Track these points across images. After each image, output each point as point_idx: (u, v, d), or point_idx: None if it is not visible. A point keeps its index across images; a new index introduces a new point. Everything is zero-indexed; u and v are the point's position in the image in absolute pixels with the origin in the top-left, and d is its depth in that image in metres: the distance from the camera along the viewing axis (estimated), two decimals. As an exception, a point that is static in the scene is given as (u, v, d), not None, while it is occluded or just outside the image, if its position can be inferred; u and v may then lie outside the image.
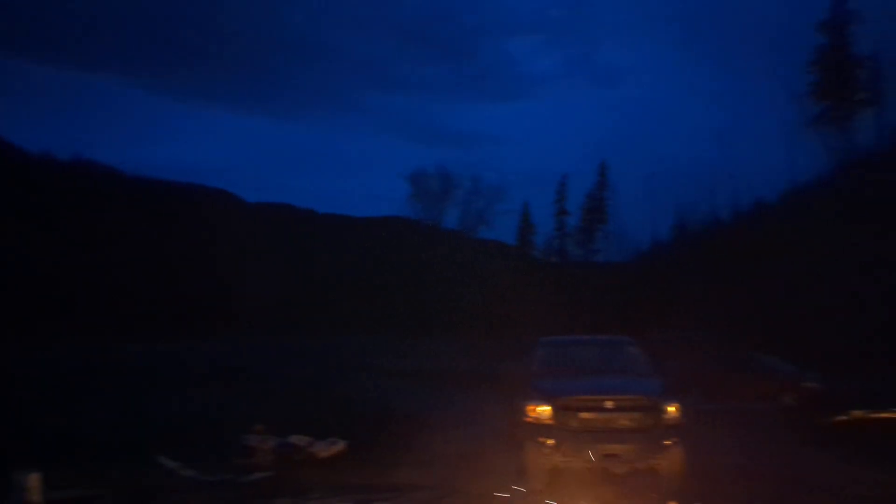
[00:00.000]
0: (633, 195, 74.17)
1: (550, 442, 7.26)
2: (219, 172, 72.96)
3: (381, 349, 26.78)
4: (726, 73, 68.37)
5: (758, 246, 25.54)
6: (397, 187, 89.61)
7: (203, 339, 27.02)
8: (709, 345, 17.55)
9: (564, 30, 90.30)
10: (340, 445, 9.11)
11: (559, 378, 8.02)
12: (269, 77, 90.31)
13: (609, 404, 7.33)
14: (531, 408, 7.50)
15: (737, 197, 36.47)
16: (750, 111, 64.99)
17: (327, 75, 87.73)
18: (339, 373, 18.91)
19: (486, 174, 75.51)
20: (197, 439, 9.69)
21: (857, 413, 10.43)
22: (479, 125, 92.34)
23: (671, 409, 7.40)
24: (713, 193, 46.92)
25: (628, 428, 7.26)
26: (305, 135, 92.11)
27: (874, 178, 24.62)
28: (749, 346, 17.11)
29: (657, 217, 53.35)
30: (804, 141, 37.26)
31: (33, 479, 6.30)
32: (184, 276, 38.63)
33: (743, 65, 65.84)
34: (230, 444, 8.91)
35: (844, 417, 10.51)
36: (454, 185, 54.23)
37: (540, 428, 7.37)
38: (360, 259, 46.25)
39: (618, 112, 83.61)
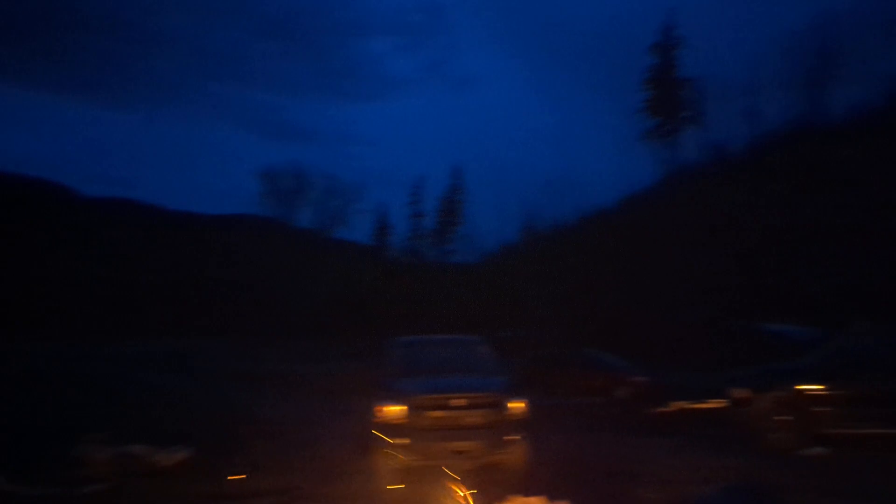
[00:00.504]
0: (487, 198, 76.72)
1: (402, 441, 7.42)
2: (49, 163, 66.98)
3: (231, 353, 25.82)
4: (574, 85, 72.25)
5: (595, 250, 27.30)
6: (250, 185, 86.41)
7: (26, 342, 24.67)
8: (550, 343, 18.57)
9: (423, 35, 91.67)
10: (184, 453, 8.72)
11: (410, 378, 8.18)
12: (110, 64, 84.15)
13: (458, 402, 7.59)
14: (383, 408, 7.62)
15: (579, 202, 38.91)
16: (594, 122, 69.19)
17: (177, 65, 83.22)
18: (185, 378, 18.05)
19: (343, 174, 75.06)
20: (23, 450, 8.91)
21: (679, 404, 11.47)
22: (338, 124, 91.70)
23: (516, 405, 7.79)
24: (558, 198, 49.71)
25: (476, 425, 7.56)
26: (152, 127, 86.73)
27: (695, 189, 27.15)
28: (587, 343, 18.25)
29: (507, 220, 55.60)
30: (639, 152, 40.47)
31: None
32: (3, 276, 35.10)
33: (589, 78, 70.02)
34: (62, 455, 8.28)
35: (667, 409, 11.52)
36: (309, 183, 53.36)
37: (392, 427, 7.50)
38: (208, 258, 44.23)
39: (473, 117, 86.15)
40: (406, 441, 7.41)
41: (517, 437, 7.66)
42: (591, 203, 36.91)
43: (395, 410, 7.55)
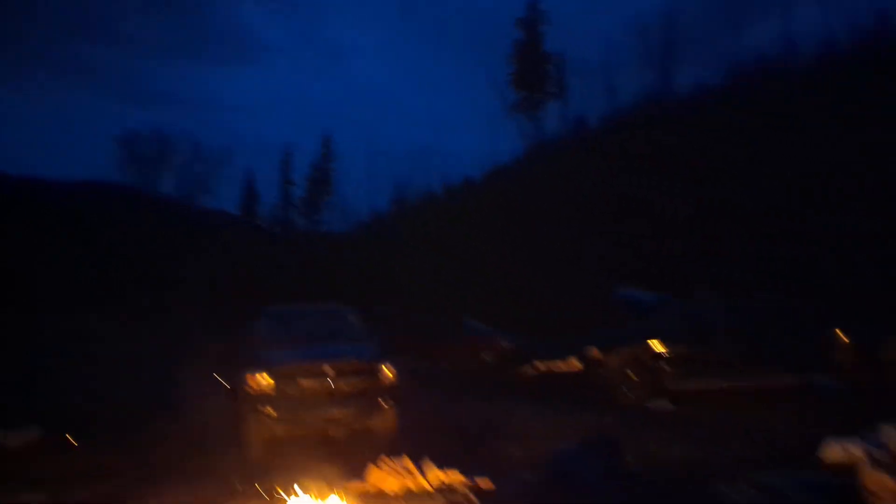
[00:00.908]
0: (358, 168, 76.11)
1: (271, 410, 7.39)
2: None
3: (87, 328, 24.16)
4: (446, 58, 72.60)
5: (463, 220, 27.95)
6: (106, 150, 79.75)
7: None
8: (421, 311, 18.93)
9: (292, 2, 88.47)
10: (34, 434, 8.23)
11: (279, 347, 8.13)
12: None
13: (328, 370, 7.63)
14: (252, 378, 7.54)
15: (448, 173, 39.56)
16: (465, 94, 70.16)
17: (27, 22, 74.88)
18: (35, 356, 16.76)
19: (209, 140, 71.27)
20: None
21: (541, 365, 12.11)
22: (204, 90, 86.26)
23: (386, 371, 7.96)
24: (429, 169, 50.30)
25: (346, 392, 7.65)
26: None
27: (556, 162, 28.39)
28: (456, 311, 18.75)
29: (379, 190, 55.65)
30: (507, 125, 41.58)
31: None
32: None
33: (461, 51, 70.66)
34: None
35: (531, 370, 12.16)
36: (171, 149, 50.30)
37: (261, 398, 7.45)
38: (59, 228, 40.88)
39: (344, 87, 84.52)
40: (277, 411, 7.39)
41: (388, 404, 7.83)
42: (459, 174, 37.66)
43: (264, 380, 7.50)
